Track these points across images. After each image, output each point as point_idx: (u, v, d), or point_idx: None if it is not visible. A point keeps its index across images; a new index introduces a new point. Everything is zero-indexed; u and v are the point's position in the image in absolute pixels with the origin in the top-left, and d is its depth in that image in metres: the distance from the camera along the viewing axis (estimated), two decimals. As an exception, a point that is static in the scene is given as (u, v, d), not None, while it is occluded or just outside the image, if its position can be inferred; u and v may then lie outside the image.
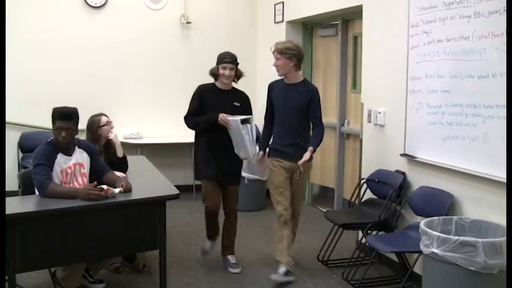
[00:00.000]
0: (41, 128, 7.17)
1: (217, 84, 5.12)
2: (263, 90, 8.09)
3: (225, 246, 5.28)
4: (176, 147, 8.04)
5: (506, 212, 3.21)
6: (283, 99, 4.89)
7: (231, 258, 5.23)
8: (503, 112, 3.79)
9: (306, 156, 4.68)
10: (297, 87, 4.86)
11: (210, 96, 5.07)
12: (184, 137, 7.40)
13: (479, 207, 4.15)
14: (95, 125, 4.83)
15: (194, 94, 5.14)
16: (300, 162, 4.67)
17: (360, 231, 5.43)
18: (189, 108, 5.15)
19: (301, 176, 4.85)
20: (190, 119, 5.14)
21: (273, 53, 4.84)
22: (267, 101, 5.08)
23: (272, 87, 5.08)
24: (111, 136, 4.94)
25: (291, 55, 4.77)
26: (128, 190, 4.28)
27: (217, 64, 5.04)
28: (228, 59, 5.00)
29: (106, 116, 4.92)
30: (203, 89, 5.13)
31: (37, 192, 4.19)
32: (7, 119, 7.06)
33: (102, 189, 4.11)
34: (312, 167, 5.41)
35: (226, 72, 4.97)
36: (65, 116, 4.23)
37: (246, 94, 5.25)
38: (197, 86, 5.18)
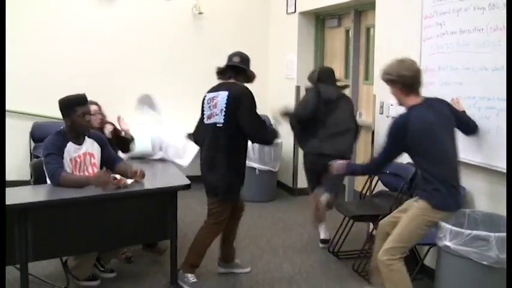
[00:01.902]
0: (52, 118, 7.18)
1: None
2: (275, 83, 8.11)
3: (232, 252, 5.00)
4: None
5: (506, 212, 3.18)
6: None
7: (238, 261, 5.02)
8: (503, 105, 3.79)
9: None
10: None
11: None
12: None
13: (492, 200, 4.13)
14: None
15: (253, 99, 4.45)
16: None
17: (371, 223, 5.42)
18: (257, 115, 4.47)
19: None
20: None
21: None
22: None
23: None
24: (107, 133, 4.92)
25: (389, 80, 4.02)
26: (142, 176, 4.32)
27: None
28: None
29: (97, 105, 4.92)
30: None
31: (49, 182, 4.21)
32: (19, 109, 7.11)
33: (115, 178, 4.12)
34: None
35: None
36: (84, 100, 4.30)
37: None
38: (248, 90, 4.49)
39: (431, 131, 3.73)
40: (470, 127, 4.10)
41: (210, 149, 4.46)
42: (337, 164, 4.28)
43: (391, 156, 3.97)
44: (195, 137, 4.76)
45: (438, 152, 3.74)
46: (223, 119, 4.36)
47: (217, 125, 4.39)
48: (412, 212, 3.84)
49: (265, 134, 4.52)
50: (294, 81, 7.68)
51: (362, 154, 6.81)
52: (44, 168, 4.22)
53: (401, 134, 3.77)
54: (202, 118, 4.58)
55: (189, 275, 4.57)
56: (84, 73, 7.58)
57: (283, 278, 4.81)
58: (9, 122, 6.78)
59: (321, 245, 5.64)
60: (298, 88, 7.56)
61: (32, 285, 4.06)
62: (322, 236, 5.65)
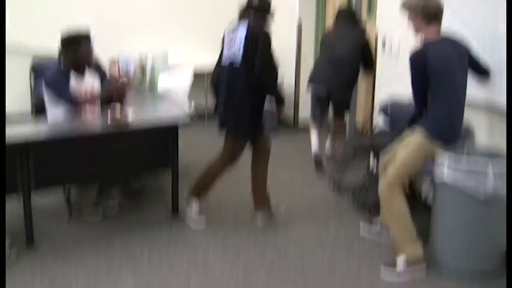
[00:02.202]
0: (54, 54, 7.12)
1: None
2: (284, 27, 7.85)
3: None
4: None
5: (506, 212, 3.20)
6: None
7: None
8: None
9: None
10: None
11: None
12: (201, 66, 7.37)
13: (491, 136, 4.14)
14: None
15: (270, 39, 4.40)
16: None
17: (372, 156, 5.47)
18: (271, 57, 4.41)
19: None
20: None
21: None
22: None
23: None
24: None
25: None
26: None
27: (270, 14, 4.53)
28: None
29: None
30: None
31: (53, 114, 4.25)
32: (19, 41, 7.03)
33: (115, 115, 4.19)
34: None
35: None
36: (89, 36, 4.31)
37: None
38: (266, 30, 4.45)
39: (447, 66, 3.70)
40: (484, 71, 4.06)
41: (227, 91, 4.42)
42: None
43: (424, 93, 3.86)
44: (213, 83, 4.69)
45: (449, 88, 3.72)
46: (241, 57, 4.31)
47: (235, 66, 4.36)
48: (412, 144, 3.88)
49: (272, 80, 4.46)
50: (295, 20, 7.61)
51: (363, 93, 6.79)
52: (57, 99, 4.26)
53: (421, 68, 3.72)
54: (220, 61, 4.55)
55: (194, 201, 4.62)
56: (90, 7, 7.45)
57: (284, 209, 4.87)
58: (9, 55, 6.73)
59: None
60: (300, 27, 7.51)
61: (35, 217, 4.14)
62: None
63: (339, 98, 5.88)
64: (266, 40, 4.32)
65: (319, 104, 5.97)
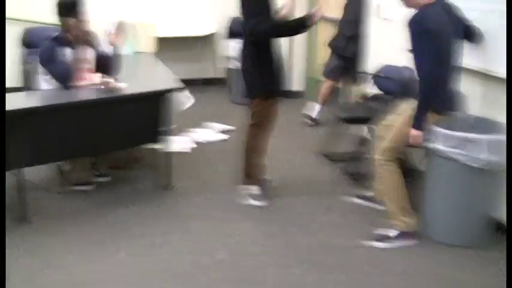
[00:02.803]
0: (44, 23, 7.02)
1: None
2: None
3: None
4: (182, 41, 7.91)
5: (506, 212, 3.18)
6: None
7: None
8: (503, 7, 3.70)
9: None
10: None
11: None
12: (192, 30, 7.29)
13: (485, 105, 4.12)
14: None
15: None
16: None
17: (364, 126, 5.44)
18: (256, 9, 4.13)
19: None
20: (276, 27, 4.24)
21: None
22: None
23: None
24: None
25: None
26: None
27: None
28: None
29: None
30: None
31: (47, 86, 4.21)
32: (9, 15, 6.93)
33: (108, 82, 4.14)
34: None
35: None
36: (83, 4, 4.24)
37: None
38: None
39: (443, 32, 3.64)
40: (475, 35, 4.01)
41: (242, 50, 4.32)
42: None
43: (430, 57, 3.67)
44: None
45: (443, 55, 3.67)
46: (242, 19, 4.20)
47: (242, 22, 4.23)
48: (406, 113, 3.85)
49: (273, 32, 4.23)
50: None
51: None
52: (51, 75, 4.21)
53: (425, 32, 3.60)
54: None
55: (253, 187, 4.53)
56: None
57: (275, 179, 4.87)
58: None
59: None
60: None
61: (28, 190, 4.11)
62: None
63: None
64: None
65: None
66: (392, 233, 3.85)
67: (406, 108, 3.90)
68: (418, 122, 3.67)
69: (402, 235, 3.85)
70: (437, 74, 3.60)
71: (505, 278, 3.45)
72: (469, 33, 3.92)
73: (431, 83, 3.60)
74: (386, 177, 3.86)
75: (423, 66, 3.66)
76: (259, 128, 4.37)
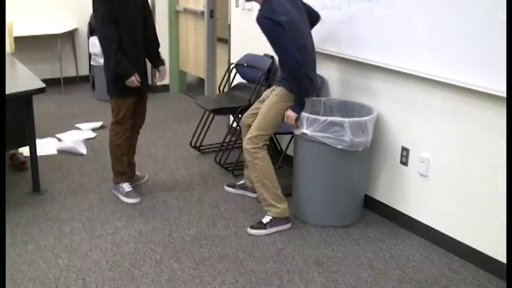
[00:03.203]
0: None
1: None
2: None
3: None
4: (40, 39, 7.57)
5: (506, 211, 3.31)
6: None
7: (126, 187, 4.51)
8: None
9: None
10: None
11: None
12: (50, 28, 7.00)
13: (346, 88, 4.30)
14: None
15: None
16: None
17: (231, 116, 5.51)
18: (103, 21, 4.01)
19: None
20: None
21: None
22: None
23: None
24: None
25: None
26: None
27: None
28: None
29: None
30: None
31: None
32: None
33: None
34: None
35: None
36: None
37: None
38: None
39: (293, 20, 3.73)
40: (315, 18, 4.16)
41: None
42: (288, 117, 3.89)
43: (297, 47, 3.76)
44: None
45: (298, 42, 3.76)
46: None
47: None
48: (270, 99, 3.93)
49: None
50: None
51: (222, 51, 6.79)
52: None
53: (278, 26, 3.65)
54: None
55: (123, 185, 4.41)
56: None
57: (146, 175, 4.82)
58: None
59: None
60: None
61: None
62: None
63: None
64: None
65: None
66: (266, 219, 3.93)
67: (269, 94, 3.99)
68: (298, 106, 3.79)
69: (276, 220, 3.93)
70: (298, 61, 3.70)
71: (372, 250, 3.65)
72: (311, 16, 4.06)
73: (296, 70, 3.70)
74: (257, 164, 3.92)
75: (285, 56, 3.75)
76: (119, 125, 4.28)
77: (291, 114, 3.80)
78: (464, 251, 3.56)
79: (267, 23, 3.68)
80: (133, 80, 4.08)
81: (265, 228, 3.91)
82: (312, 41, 3.94)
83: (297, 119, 3.80)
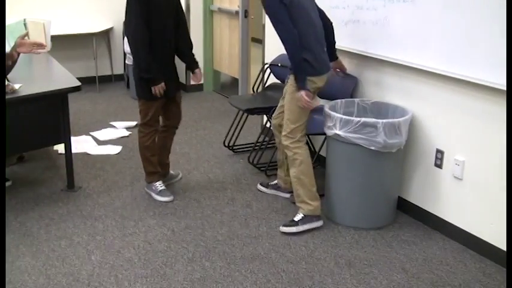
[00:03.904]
0: None
1: None
2: None
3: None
4: (76, 38, 7.69)
5: (506, 211, 3.29)
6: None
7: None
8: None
9: None
10: None
11: None
12: (86, 27, 7.09)
13: (380, 89, 4.27)
14: None
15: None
16: None
17: (265, 116, 5.51)
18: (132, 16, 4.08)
19: None
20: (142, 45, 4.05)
21: None
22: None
23: None
24: None
25: None
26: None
27: None
28: None
29: None
30: None
31: None
32: None
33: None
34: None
35: None
36: None
37: None
38: None
39: (299, 2, 3.74)
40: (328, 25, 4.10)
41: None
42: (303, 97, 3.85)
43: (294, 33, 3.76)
44: None
45: (305, 24, 3.75)
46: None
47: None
48: (288, 92, 3.94)
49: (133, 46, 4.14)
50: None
51: (256, 50, 6.79)
52: None
53: (283, 10, 3.68)
54: None
55: (156, 184, 4.45)
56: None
57: (180, 173, 4.85)
58: None
59: None
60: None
61: None
62: None
63: None
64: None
65: None
66: (298, 217, 3.92)
67: (288, 86, 3.98)
68: (300, 82, 3.78)
69: (308, 218, 3.92)
70: (297, 37, 3.69)
71: (404, 253, 3.62)
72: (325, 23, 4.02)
73: (294, 47, 3.71)
74: (296, 160, 3.91)
75: (285, 32, 3.74)
76: (147, 127, 4.30)
77: (298, 95, 3.80)
78: (498, 256, 3.51)
79: (272, 2, 3.71)
80: (159, 89, 4.08)
81: (297, 225, 3.91)
82: (319, 22, 3.90)
83: (308, 96, 3.78)
